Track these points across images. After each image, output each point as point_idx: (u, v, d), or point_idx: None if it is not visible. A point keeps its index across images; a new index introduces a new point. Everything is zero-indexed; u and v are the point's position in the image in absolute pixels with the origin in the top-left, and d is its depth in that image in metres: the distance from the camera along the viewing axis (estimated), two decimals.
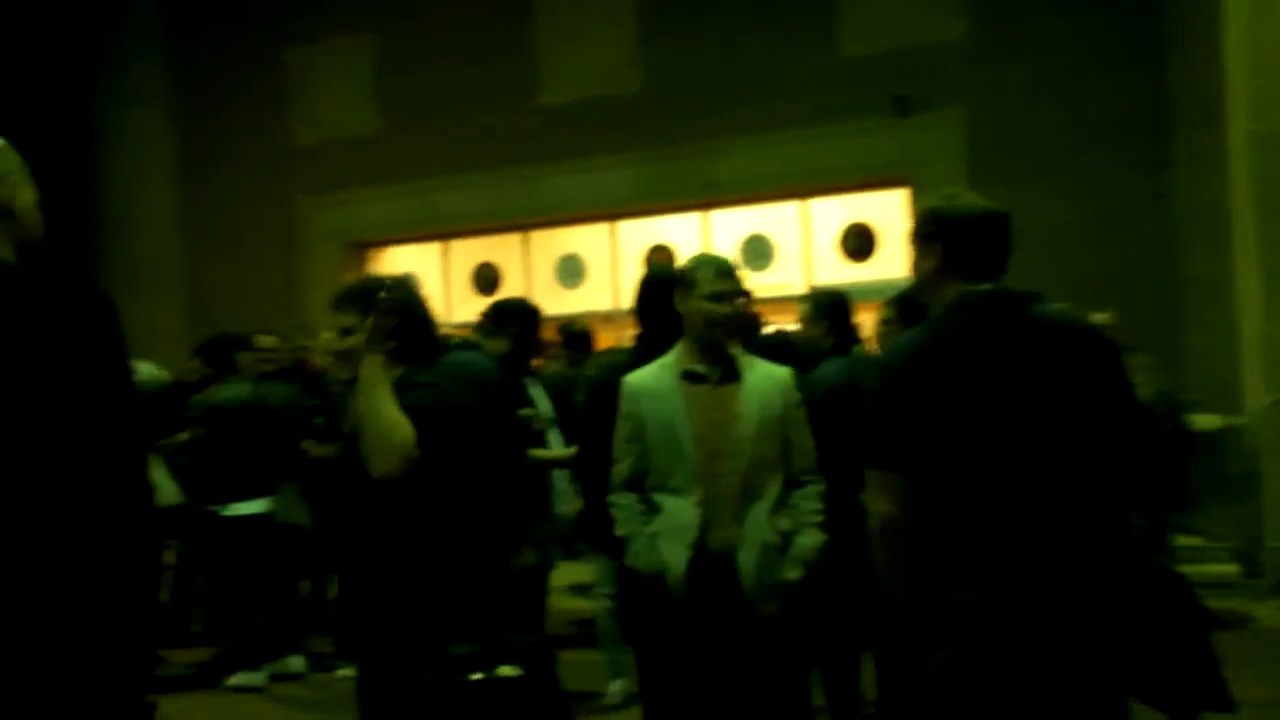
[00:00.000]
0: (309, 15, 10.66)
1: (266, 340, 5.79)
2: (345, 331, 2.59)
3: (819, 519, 2.99)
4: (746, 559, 2.88)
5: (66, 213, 11.05)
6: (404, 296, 2.62)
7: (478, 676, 2.45)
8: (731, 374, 3.02)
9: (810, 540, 2.95)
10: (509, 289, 10.71)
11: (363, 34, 10.58)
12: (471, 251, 10.98)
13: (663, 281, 3.27)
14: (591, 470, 3.31)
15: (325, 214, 10.79)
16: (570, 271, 10.59)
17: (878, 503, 2.18)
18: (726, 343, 3.03)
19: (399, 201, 10.51)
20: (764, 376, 3.05)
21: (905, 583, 2.17)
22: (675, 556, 2.91)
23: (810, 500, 3.01)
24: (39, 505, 1.61)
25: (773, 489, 2.96)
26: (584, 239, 10.55)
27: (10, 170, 1.83)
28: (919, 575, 2.14)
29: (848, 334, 4.29)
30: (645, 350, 3.27)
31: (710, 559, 2.89)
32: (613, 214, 10.25)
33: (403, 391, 2.49)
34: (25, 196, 1.84)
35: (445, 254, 11.06)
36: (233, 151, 11.01)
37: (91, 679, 1.65)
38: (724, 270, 3.02)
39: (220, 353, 5.58)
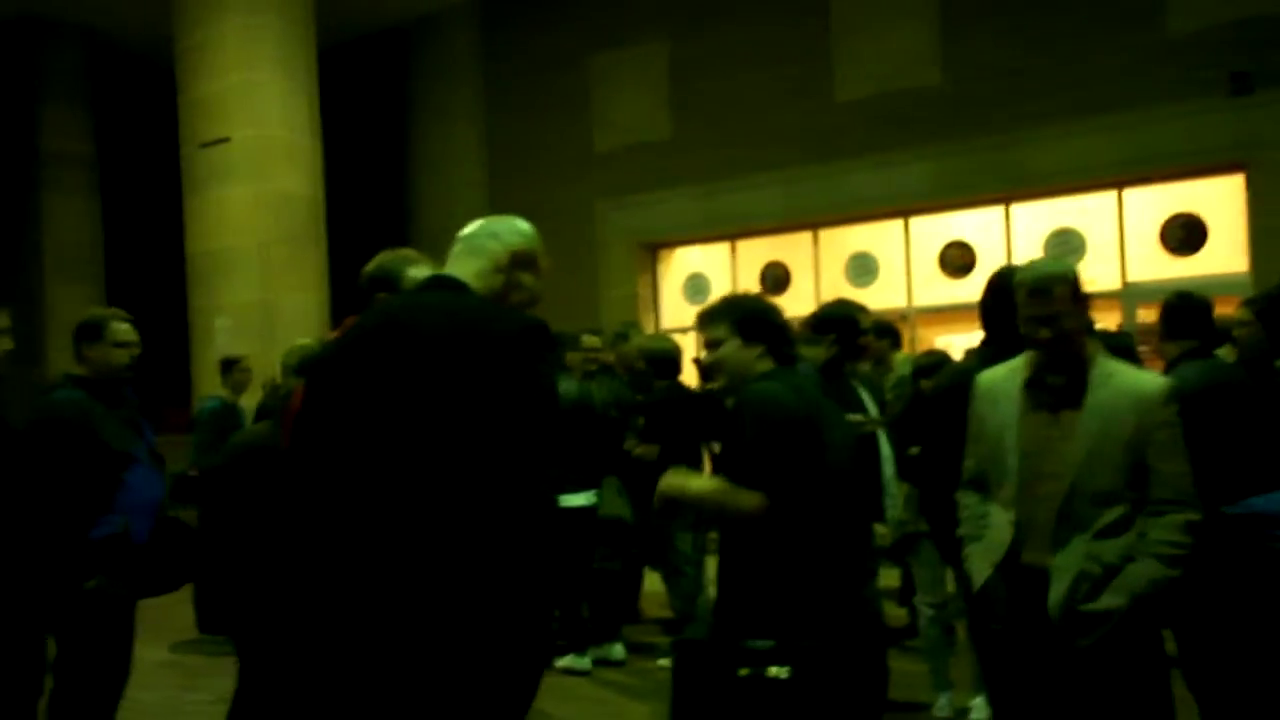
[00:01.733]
0: (610, 22, 11.12)
1: (590, 340, 6.09)
2: (713, 344, 2.79)
3: (1168, 550, 2.63)
4: (1056, 588, 2.68)
5: (382, 221, 12.15)
6: (761, 305, 2.85)
7: (745, 672, 2.47)
8: (1077, 387, 2.75)
9: (1144, 570, 2.63)
10: (798, 288, 10.70)
11: (657, 40, 10.89)
12: (760, 251, 11.04)
13: (1010, 284, 3.16)
14: (933, 476, 3.26)
15: (620, 216, 11.22)
16: (861, 270, 10.42)
17: None
18: (1081, 351, 2.77)
19: (691, 203, 10.76)
20: (1120, 392, 2.72)
21: None
22: (979, 571, 2.84)
23: (1163, 530, 2.66)
24: (482, 515, 1.76)
25: (1103, 519, 2.68)
26: (876, 236, 10.36)
27: (530, 250, 2.11)
28: None
29: (1206, 337, 3.98)
30: (989, 355, 3.17)
31: (1027, 576, 2.75)
32: (907, 210, 10.00)
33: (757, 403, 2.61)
34: (528, 279, 2.07)
35: (733, 254, 11.20)
36: (537, 157, 11.68)
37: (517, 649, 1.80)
38: (1035, 289, 2.76)
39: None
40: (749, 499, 2.52)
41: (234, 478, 3.47)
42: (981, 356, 3.22)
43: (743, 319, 2.75)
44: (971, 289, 9.76)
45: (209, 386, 8.69)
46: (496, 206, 11.86)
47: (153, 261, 12.27)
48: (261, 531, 3.17)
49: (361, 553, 1.79)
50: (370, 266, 2.88)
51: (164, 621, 6.14)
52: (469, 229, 2.13)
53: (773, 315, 2.80)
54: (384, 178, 12.78)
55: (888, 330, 6.22)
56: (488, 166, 12.09)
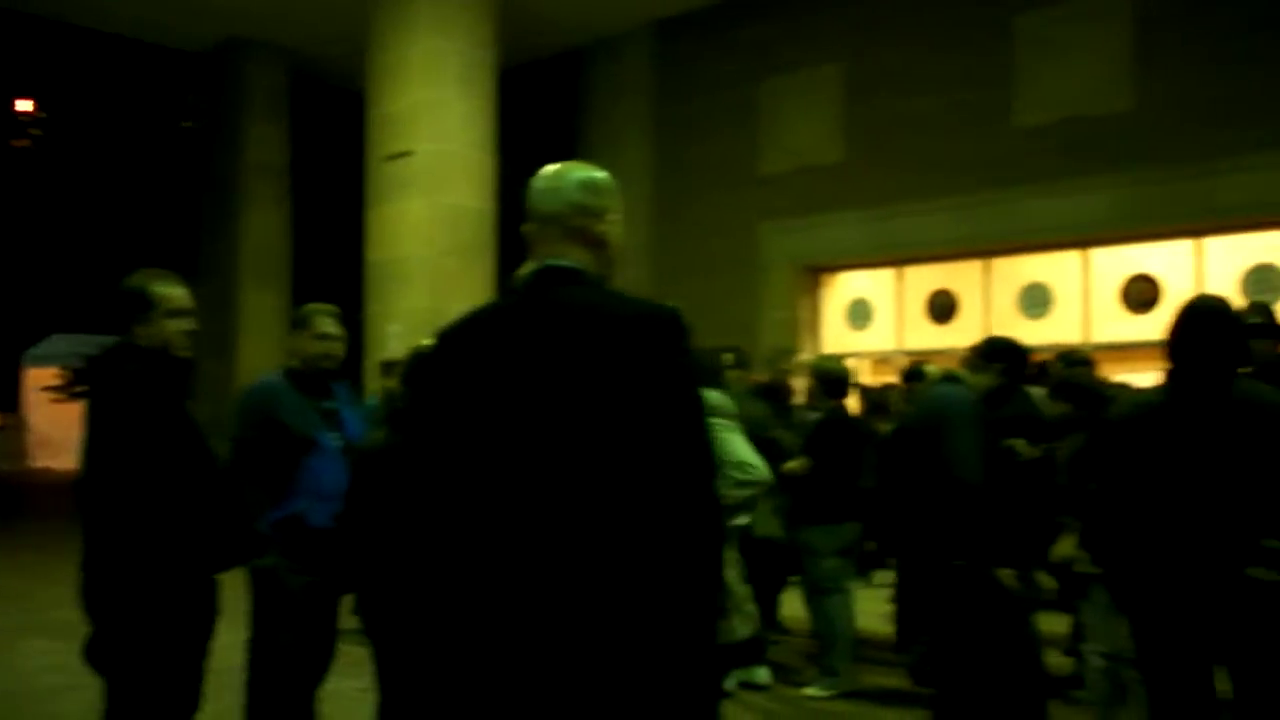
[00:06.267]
0: (783, 44, 11.08)
1: (728, 358, 6.15)
2: None
3: None
4: None
5: None
6: None
7: None
8: None
9: None
10: (966, 317, 10.37)
11: (831, 63, 10.78)
12: (928, 278, 10.76)
13: (1214, 315, 3.01)
14: (1098, 509, 3.10)
15: (783, 238, 11.13)
16: (1035, 301, 10.01)
17: None
18: None
19: (858, 227, 10.57)
20: None
21: None
22: None
23: None
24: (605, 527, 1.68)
25: None
26: (1052, 267, 9.93)
27: (611, 208, 2.01)
28: None
29: None
30: (1175, 388, 3.00)
31: None
32: (1087, 240, 9.55)
33: None
34: (617, 234, 2.01)
35: (900, 280, 10.94)
36: (702, 182, 11.74)
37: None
38: None
39: (713, 373, 5.91)
40: None
41: (358, 482, 3.56)
42: (1167, 390, 3.04)
43: None
44: (1156, 325, 9.21)
45: (378, 389, 9.07)
46: (662, 226, 12.00)
47: (335, 269, 12.94)
48: (380, 532, 3.25)
49: (504, 563, 1.72)
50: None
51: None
52: (548, 206, 1.98)
53: None
54: None
55: (1079, 361, 5.97)
56: (655, 186, 12.23)
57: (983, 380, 3.85)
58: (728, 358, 6.22)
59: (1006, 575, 3.51)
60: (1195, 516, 2.75)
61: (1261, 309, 4.44)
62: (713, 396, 3.35)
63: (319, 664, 3.95)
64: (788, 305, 11.19)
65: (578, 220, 1.94)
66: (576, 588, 1.66)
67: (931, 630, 3.77)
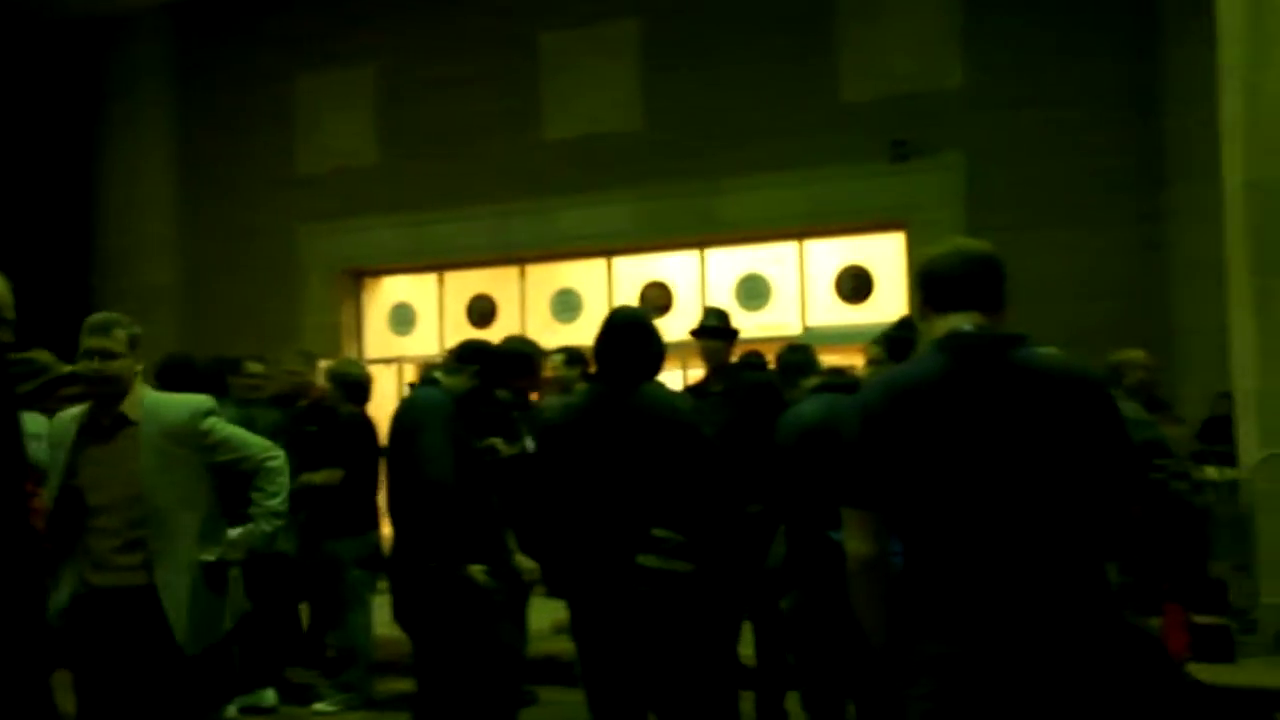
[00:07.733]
0: (315, 43, 10.75)
1: (255, 366, 5.81)
2: None
3: None
4: None
5: (66, 235, 11.06)
6: None
7: None
8: None
9: None
10: (504, 321, 10.70)
11: (366, 65, 10.64)
12: (468, 283, 10.97)
13: (628, 325, 3.23)
14: (543, 515, 3.27)
15: (324, 241, 10.81)
16: (566, 306, 10.58)
17: (854, 543, 2.13)
18: None
19: (398, 231, 10.53)
20: None
21: (883, 625, 2.13)
22: None
23: None
24: None
25: None
26: (581, 274, 10.55)
27: None
28: (896, 618, 2.10)
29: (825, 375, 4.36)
30: (598, 391, 3.21)
31: None
32: (610, 250, 10.26)
33: None
34: None
35: (441, 285, 11.06)
36: (235, 178, 11.06)
37: None
38: None
39: (213, 376, 5.54)
40: None
41: None
42: (590, 394, 3.26)
43: None
44: (669, 329, 10.08)
45: None
46: (187, 225, 11.14)
47: None
48: None
49: None
50: None
51: None
52: None
53: None
54: (67, 184, 11.57)
55: (578, 359, 6.29)
56: (181, 177, 11.31)
57: (457, 382, 3.96)
58: (254, 366, 5.87)
59: (477, 571, 3.63)
60: (601, 510, 3.00)
61: (718, 314, 4.97)
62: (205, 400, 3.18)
63: None
64: (329, 309, 10.88)
65: None
66: None
67: (420, 630, 3.81)
